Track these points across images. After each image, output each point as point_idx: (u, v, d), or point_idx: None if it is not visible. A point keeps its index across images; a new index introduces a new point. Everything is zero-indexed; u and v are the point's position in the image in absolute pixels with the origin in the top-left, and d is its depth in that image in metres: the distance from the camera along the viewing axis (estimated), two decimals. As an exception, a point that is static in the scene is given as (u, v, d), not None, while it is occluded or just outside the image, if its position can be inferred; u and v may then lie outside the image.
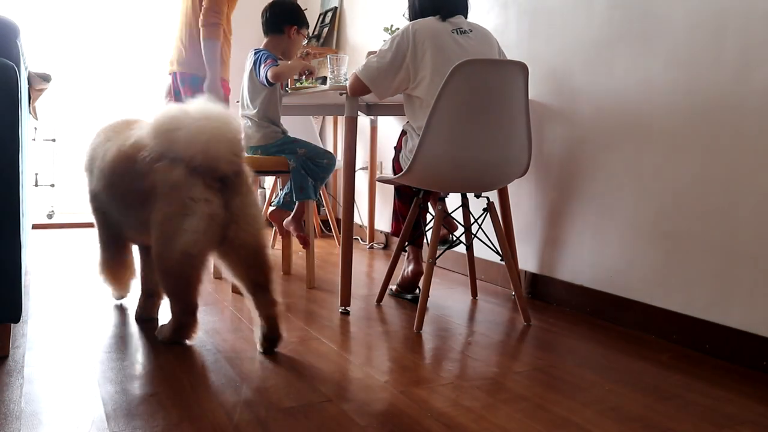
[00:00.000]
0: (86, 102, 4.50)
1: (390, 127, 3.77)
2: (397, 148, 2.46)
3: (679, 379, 1.72)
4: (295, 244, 3.65)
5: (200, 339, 1.94)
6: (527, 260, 2.69)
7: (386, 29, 3.37)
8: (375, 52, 2.57)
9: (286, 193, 2.78)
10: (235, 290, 2.58)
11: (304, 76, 2.76)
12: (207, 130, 1.67)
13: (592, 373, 1.74)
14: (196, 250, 1.68)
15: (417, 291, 2.52)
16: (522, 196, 2.71)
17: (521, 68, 2.10)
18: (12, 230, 1.62)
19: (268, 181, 4.35)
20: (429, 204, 2.63)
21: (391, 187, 3.47)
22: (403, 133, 2.38)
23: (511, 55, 2.66)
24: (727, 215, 1.90)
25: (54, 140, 4.39)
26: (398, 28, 2.52)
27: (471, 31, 2.19)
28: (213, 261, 2.84)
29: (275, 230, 3.67)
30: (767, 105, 1.78)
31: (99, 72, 4.53)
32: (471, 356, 1.86)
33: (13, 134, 1.60)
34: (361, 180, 4.01)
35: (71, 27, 4.40)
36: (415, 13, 2.26)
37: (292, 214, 2.79)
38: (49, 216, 4.31)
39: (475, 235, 2.49)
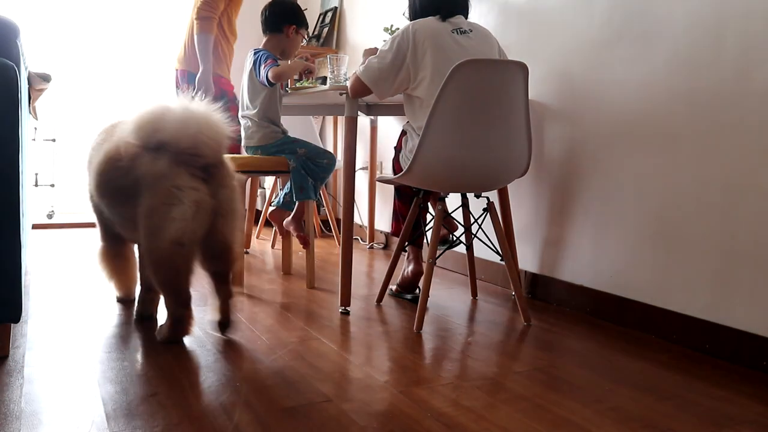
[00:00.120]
0: (86, 102, 4.50)
1: (390, 127, 3.77)
2: (397, 148, 2.46)
3: (679, 379, 1.72)
4: (295, 244, 3.65)
5: (200, 339, 1.94)
6: (527, 260, 2.69)
7: (386, 29, 3.37)
8: (372, 49, 2.58)
9: (286, 193, 2.78)
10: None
11: (304, 76, 2.76)
12: (190, 119, 1.71)
13: (592, 373, 1.74)
14: (186, 238, 1.69)
15: (417, 291, 2.52)
16: (522, 196, 2.71)
17: (521, 68, 2.10)
18: (12, 230, 1.62)
19: (268, 181, 4.35)
20: (429, 204, 2.63)
21: (391, 187, 3.47)
22: (403, 133, 2.38)
23: (511, 55, 2.66)
24: (727, 215, 1.90)
25: (54, 140, 4.39)
26: (398, 28, 2.51)
27: (471, 31, 2.19)
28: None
29: (275, 230, 3.67)
30: (767, 105, 1.78)
31: (99, 72, 4.53)
32: (471, 356, 1.86)
33: (13, 134, 1.60)
34: (361, 180, 4.01)
35: (71, 27, 4.40)
36: (416, 12, 2.26)
37: (292, 214, 2.80)
38: (49, 216, 4.31)
39: (475, 235, 2.49)
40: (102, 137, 2.04)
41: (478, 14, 2.91)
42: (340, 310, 2.32)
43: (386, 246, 3.82)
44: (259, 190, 4.26)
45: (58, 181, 4.40)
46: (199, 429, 1.33)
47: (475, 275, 2.60)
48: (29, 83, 2.44)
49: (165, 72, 4.61)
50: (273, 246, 3.76)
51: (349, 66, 3.03)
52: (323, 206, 4.30)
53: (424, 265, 2.25)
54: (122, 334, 1.98)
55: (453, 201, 2.93)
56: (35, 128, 3.64)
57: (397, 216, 2.58)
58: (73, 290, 2.53)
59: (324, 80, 3.27)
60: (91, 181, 2.00)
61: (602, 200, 2.32)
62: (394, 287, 2.60)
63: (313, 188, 2.72)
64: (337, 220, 4.29)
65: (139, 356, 1.77)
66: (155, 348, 1.85)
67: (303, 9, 3.00)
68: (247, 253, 3.46)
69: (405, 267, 2.51)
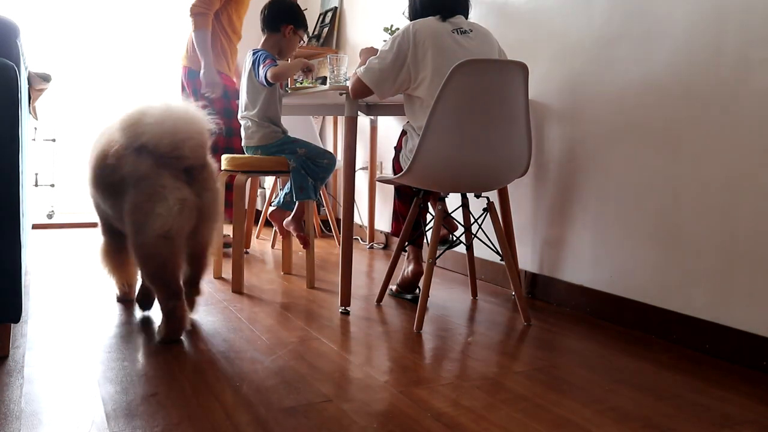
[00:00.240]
0: (86, 102, 4.50)
1: (390, 127, 3.77)
2: (397, 148, 2.46)
3: (679, 379, 1.72)
4: (295, 244, 3.65)
5: (200, 339, 1.94)
6: (527, 260, 2.69)
7: (386, 29, 3.37)
8: (368, 49, 2.58)
9: (286, 193, 2.78)
10: (235, 290, 2.58)
11: (303, 76, 2.76)
12: (171, 120, 1.74)
13: (592, 373, 1.74)
14: (173, 232, 1.74)
15: (417, 291, 2.52)
16: (522, 196, 2.71)
17: (521, 68, 2.10)
18: (12, 230, 1.62)
19: (268, 181, 4.35)
20: (429, 204, 2.63)
21: (391, 187, 3.47)
22: (403, 133, 2.38)
23: (511, 55, 2.66)
24: (727, 215, 1.90)
25: (54, 140, 4.39)
26: (398, 28, 2.51)
27: (471, 31, 2.19)
28: (215, 260, 2.85)
29: (275, 230, 3.67)
30: (767, 105, 1.78)
31: (99, 72, 4.53)
32: (471, 356, 1.86)
33: (13, 134, 1.60)
34: (361, 180, 4.01)
35: (71, 27, 4.40)
36: (416, 12, 2.26)
37: (292, 214, 2.80)
38: (49, 216, 4.31)
39: (475, 235, 2.49)
40: (99, 136, 2.06)
41: (478, 14, 2.91)
42: (340, 310, 2.32)
43: (386, 246, 3.82)
44: (259, 190, 4.26)
45: (58, 181, 4.40)
46: (199, 429, 1.33)
47: (475, 275, 2.60)
48: (29, 83, 2.44)
49: (165, 71, 4.61)
50: (273, 246, 3.76)
51: (349, 66, 3.03)
52: (323, 206, 4.30)
53: (424, 265, 2.25)
54: (122, 334, 1.98)
55: (453, 201, 2.93)
56: (35, 128, 3.64)
57: (397, 216, 2.58)
58: (73, 290, 2.53)
59: (324, 80, 3.27)
60: (87, 174, 2.05)
61: (602, 200, 2.32)
62: (394, 287, 2.60)
63: (313, 188, 2.72)
64: (337, 220, 4.29)
65: (139, 356, 1.77)
66: (155, 348, 1.85)
67: (303, 9, 3.00)
68: (247, 252, 3.46)
69: (405, 267, 2.51)
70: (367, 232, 3.89)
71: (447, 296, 2.61)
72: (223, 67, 3.38)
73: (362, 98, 2.29)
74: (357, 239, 4.05)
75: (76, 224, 4.28)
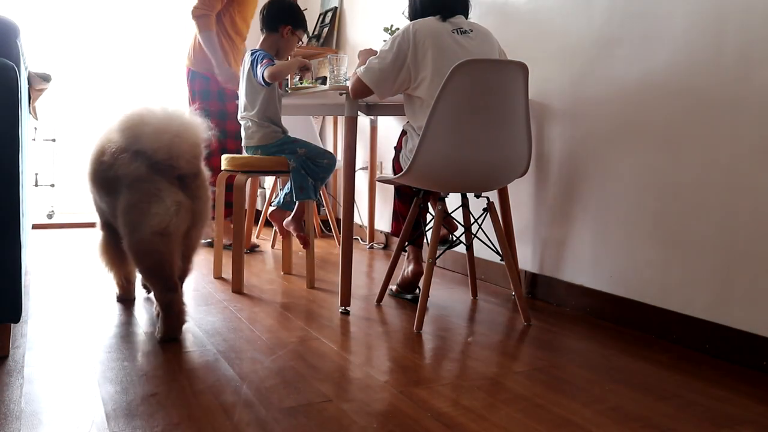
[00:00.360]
0: (86, 102, 4.50)
1: (390, 127, 3.77)
2: (397, 148, 2.46)
3: (679, 379, 1.72)
4: (295, 244, 3.65)
5: (200, 339, 1.94)
6: (527, 260, 2.69)
7: (386, 29, 3.37)
8: (367, 50, 2.58)
9: (286, 193, 2.78)
10: (235, 290, 2.58)
11: (301, 75, 2.75)
12: (170, 129, 1.79)
13: (592, 373, 1.74)
14: (170, 229, 1.79)
15: (417, 291, 2.52)
16: (522, 196, 2.71)
17: (521, 68, 2.10)
18: (12, 230, 1.62)
19: (268, 181, 4.35)
20: (429, 204, 2.63)
21: (391, 187, 3.47)
22: (403, 133, 2.38)
23: (511, 55, 2.66)
24: (727, 215, 1.90)
25: (54, 140, 4.39)
26: (398, 28, 2.51)
27: (471, 31, 2.19)
28: (213, 261, 2.86)
29: (275, 230, 3.67)
30: (767, 105, 1.78)
31: (99, 72, 4.53)
32: (471, 356, 1.86)
33: (13, 134, 1.60)
34: (361, 180, 4.01)
35: (71, 27, 4.40)
36: (416, 12, 2.26)
37: (292, 214, 2.80)
38: (49, 216, 4.31)
39: (475, 235, 2.49)
40: (103, 130, 2.11)
41: (478, 14, 2.91)
42: (340, 310, 2.32)
43: (386, 246, 3.82)
44: (259, 190, 4.26)
45: (58, 181, 4.40)
46: (199, 429, 1.33)
47: (475, 275, 2.60)
48: (29, 83, 2.44)
49: (165, 71, 4.61)
50: (273, 246, 3.76)
51: (349, 66, 3.03)
52: (323, 206, 4.30)
53: (424, 265, 2.25)
54: (122, 334, 1.98)
55: (453, 201, 2.93)
56: (35, 128, 3.64)
57: (397, 216, 2.58)
58: (73, 290, 2.53)
59: (324, 80, 3.27)
60: (86, 170, 2.10)
61: (602, 200, 2.32)
62: (394, 287, 2.60)
63: (313, 188, 2.72)
64: (337, 220, 4.29)
65: (139, 356, 1.77)
66: (155, 348, 1.85)
67: (303, 9, 3.00)
68: (247, 252, 3.46)
69: (405, 267, 2.51)
70: (367, 232, 3.89)
71: (447, 296, 2.61)
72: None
73: (362, 98, 2.29)
74: (357, 239, 4.05)
75: (76, 224, 4.28)
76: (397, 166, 2.45)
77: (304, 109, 3.33)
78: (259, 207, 4.42)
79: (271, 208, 2.85)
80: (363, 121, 3.89)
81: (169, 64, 4.61)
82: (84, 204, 4.41)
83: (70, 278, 2.73)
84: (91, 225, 4.23)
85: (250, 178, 3.45)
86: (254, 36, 3.61)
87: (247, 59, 2.77)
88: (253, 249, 3.55)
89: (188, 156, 1.82)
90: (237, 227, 2.61)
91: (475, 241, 2.90)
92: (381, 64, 2.16)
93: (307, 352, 1.85)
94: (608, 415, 1.46)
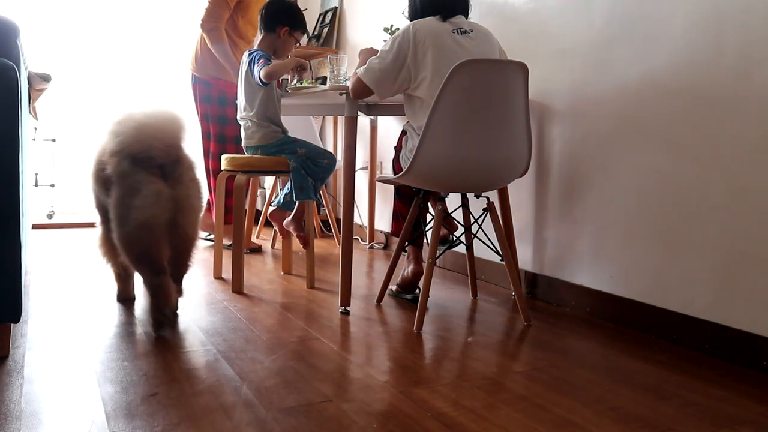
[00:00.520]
0: (86, 102, 4.50)
1: (390, 127, 3.77)
2: (397, 148, 2.46)
3: (679, 379, 1.72)
4: (295, 244, 3.65)
5: (200, 339, 1.94)
6: (527, 260, 2.69)
7: (386, 29, 3.37)
8: (367, 50, 2.58)
9: (286, 193, 2.78)
10: (235, 290, 2.58)
11: (297, 74, 2.75)
12: (141, 125, 1.94)
13: (592, 373, 1.74)
14: (151, 220, 1.88)
15: (417, 291, 2.52)
16: (522, 196, 2.71)
17: (521, 68, 2.10)
18: (12, 230, 1.62)
19: (268, 181, 4.35)
20: (429, 204, 2.63)
21: (391, 187, 3.47)
22: (403, 133, 2.38)
23: (511, 55, 2.66)
24: (727, 215, 1.90)
25: (54, 140, 4.39)
26: (398, 28, 2.51)
27: (472, 30, 2.19)
28: (214, 261, 2.86)
29: (275, 230, 3.67)
30: (767, 105, 1.78)
31: (99, 72, 4.53)
32: (471, 356, 1.86)
33: (13, 134, 1.60)
34: (361, 180, 4.01)
35: (71, 27, 4.40)
36: (416, 12, 2.26)
37: (292, 214, 2.79)
38: (49, 216, 4.31)
39: (475, 235, 2.49)
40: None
41: (478, 14, 2.91)
42: (340, 310, 2.32)
43: (386, 246, 3.82)
44: (259, 190, 4.26)
45: (58, 181, 4.40)
46: (199, 429, 1.33)
47: (475, 275, 2.60)
48: (29, 83, 2.44)
49: (165, 71, 4.62)
50: (273, 246, 3.76)
51: (349, 66, 3.03)
52: (323, 206, 4.30)
53: (424, 265, 2.25)
54: (122, 334, 1.98)
55: (453, 201, 2.93)
56: (35, 128, 3.64)
57: (397, 216, 2.58)
58: (73, 290, 2.53)
59: (324, 80, 3.27)
60: (90, 169, 2.21)
61: (602, 200, 2.32)
62: (394, 287, 2.60)
63: (313, 188, 2.72)
64: (337, 220, 4.29)
65: (139, 356, 1.77)
66: (155, 348, 1.85)
67: (303, 9, 3.00)
68: (247, 252, 3.46)
69: (405, 267, 2.51)
70: (367, 232, 3.89)
71: (447, 296, 2.61)
72: (225, 74, 3.41)
73: (362, 98, 2.29)
74: (357, 239, 4.05)
75: (76, 224, 4.28)
76: (397, 166, 2.45)
77: (304, 109, 3.33)
78: (259, 207, 4.42)
79: (271, 208, 2.85)
80: (363, 121, 3.89)
81: (169, 64, 4.61)
82: (84, 204, 4.42)
83: (70, 278, 2.73)
84: (91, 225, 4.23)
85: (250, 178, 3.46)
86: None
87: (245, 60, 2.76)
88: (254, 250, 3.55)
89: (161, 144, 1.93)
90: (237, 227, 2.61)
91: (475, 241, 2.90)
92: (381, 64, 2.16)
93: (307, 352, 1.85)
94: (608, 415, 1.46)
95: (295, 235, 2.80)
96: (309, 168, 2.70)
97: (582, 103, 2.40)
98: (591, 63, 2.35)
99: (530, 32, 2.64)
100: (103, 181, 2.05)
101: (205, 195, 2.27)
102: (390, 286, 2.62)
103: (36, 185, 4.20)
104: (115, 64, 4.56)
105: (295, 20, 2.86)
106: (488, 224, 2.85)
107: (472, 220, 2.61)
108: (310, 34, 4.50)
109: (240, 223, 2.62)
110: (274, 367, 1.72)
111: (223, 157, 2.77)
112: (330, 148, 4.37)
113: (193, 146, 2.53)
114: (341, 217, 2.36)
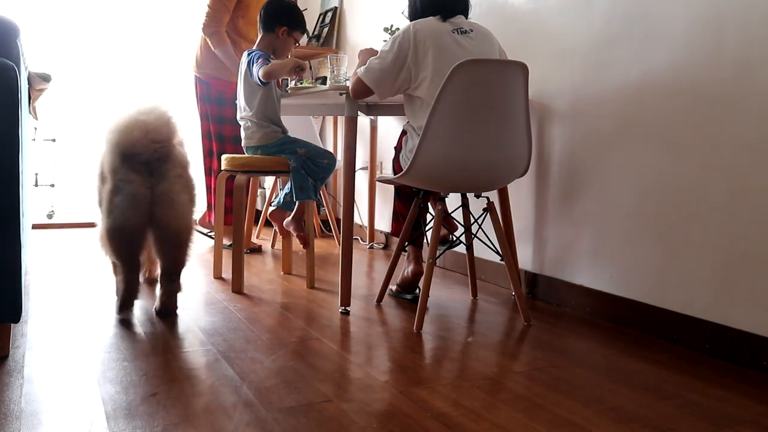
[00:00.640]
0: (86, 102, 4.50)
1: (390, 127, 3.77)
2: (397, 148, 2.46)
3: (679, 379, 1.72)
4: (295, 244, 3.65)
5: (200, 339, 1.94)
6: (527, 260, 2.69)
7: (386, 29, 3.37)
8: (367, 50, 2.58)
9: (286, 193, 2.78)
10: (235, 290, 2.58)
11: (296, 75, 2.74)
12: (129, 122, 2.03)
13: (592, 373, 1.74)
14: (125, 223, 2.00)
15: (417, 291, 2.52)
16: (522, 196, 2.71)
17: (521, 68, 2.10)
18: (12, 230, 1.62)
19: (268, 181, 4.35)
20: (429, 204, 2.63)
21: (391, 187, 3.47)
22: (403, 133, 2.38)
23: (511, 54, 2.66)
24: (727, 215, 1.90)
25: (54, 140, 4.39)
26: (398, 28, 2.51)
27: (472, 31, 2.19)
28: (214, 261, 2.85)
29: (275, 230, 3.67)
30: (767, 105, 1.78)
31: (99, 72, 4.53)
32: (471, 356, 1.86)
33: (13, 134, 1.60)
34: (361, 180, 4.01)
35: (71, 27, 4.40)
36: (416, 12, 2.26)
37: (292, 214, 2.79)
38: (49, 216, 4.31)
39: (475, 235, 2.49)
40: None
41: (478, 14, 2.91)
42: (340, 310, 2.32)
43: (386, 246, 3.82)
44: (259, 190, 4.26)
45: (58, 181, 4.40)
46: (199, 429, 1.33)
47: (475, 275, 2.60)
48: (29, 83, 2.44)
49: (165, 71, 4.62)
50: (273, 246, 3.76)
51: (349, 66, 3.03)
52: (323, 206, 4.30)
53: (424, 265, 2.25)
54: (122, 334, 1.98)
55: (453, 201, 2.93)
56: (35, 128, 3.64)
57: (397, 216, 2.58)
58: (73, 290, 2.53)
59: (324, 80, 3.27)
60: (97, 169, 2.34)
61: (602, 200, 2.32)
62: (394, 287, 2.60)
63: (313, 188, 2.72)
64: (337, 220, 4.29)
65: (139, 356, 1.77)
66: (155, 348, 1.85)
67: (303, 9, 3.00)
68: (247, 252, 3.46)
69: (405, 267, 2.51)
70: (367, 232, 3.89)
71: (447, 296, 2.61)
72: (224, 74, 3.42)
73: (362, 98, 2.29)
74: (357, 239, 4.05)
75: (76, 224, 4.28)
76: (397, 166, 2.45)
77: (304, 109, 3.33)
78: (259, 207, 4.42)
79: (271, 208, 2.85)
80: (363, 121, 3.89)
81: (169, 64, 4.61)
82: (84, 204, 4.42)
83: (70, 278, 2.73)
84: (91, 225, 4.23)
85: (250, 178, 3.46)
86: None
87: (244, 59, 2.76)
88: (253, 250, 3.55)
89: (146, 141, 2.00)
90: (237, 227, 2.61)
91: (475, 241, 2.90)
92: (381, 64, 2.16)
93: (307, 352, 1.85)
94: (608, 415, 1.46)
95: (295, 235, 2.80)
96: (309, 168, 2.70)
97: (582, 103, 2.40)
98: (591, 63, 2.35)
99: (530, 32, 2.64)
100: (102, 177, 2.15)
101: (199, 191, 2.29)
102: (390, 286, 2.62)
103: (36, 185, 4.20)
104: (115, 64, 4.56)
105: (294, 20, 2.86)
106: (488, 224, 2.85)
107: (472, 220, 2.61)
108: (310, 34, 4.50)
109: (240, 223, 2.62)
110: (274, 367, 1.72)
111: (223, 157, 2.77)
112: (330, 148, 4.37)
113: (191, 145, 2.54)
114: (341, 217, 2.36)
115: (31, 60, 3.59)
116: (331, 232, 4.32)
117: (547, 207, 2.58)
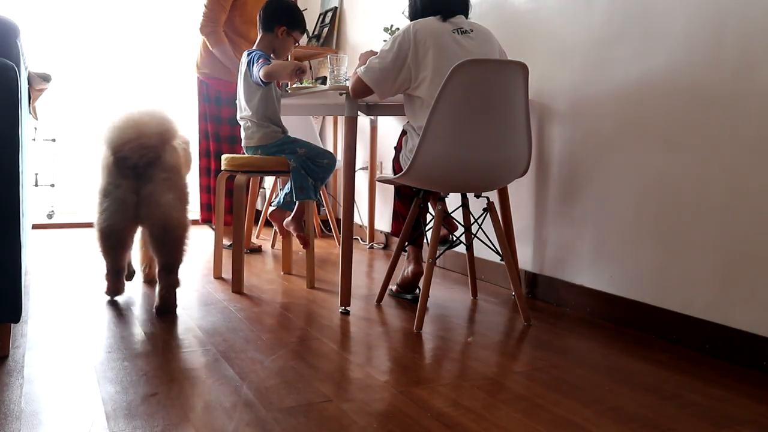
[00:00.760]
0: (86, 102, 4.50)
1: (390, 127, 3.77)
2: (397, 148, 2.46)
3: (679, 379, 1.72)
4: (295, 244, 3.65)
5: (200, 339, 1.94)
6: (527, 260, 2.69)
7: (386, 29, 3.37)
8: (368, 53, 2.58)
9: (286, 193, 2.78)
10: (235, 290, 2.58)
11: (296, 78, 2.75)
12: (121, 125, 2.08)
13: (592, 373, 1.74)
14: (111, 227, 2.12)
15: (417, 291, 2.52)
16: (522, 196, 2.71)
17: (521, 68, 2.10)
18: (12, 230, 1.62)
19: (268, 181, 4.35)
20: (429, 204, 2.63)
21: (391, 187, 3.47)
22: (403, 133, 2.38)
23: (511, 54, 2.66)
24: (727, 215, 1.90)
25: (54, 140, 4.39)
26: (398, 28, 2.51)
27: (472, 30, 2.19)
28: (214, 261, 2.85)
29: (275, 230, 3.67)
30: (767, 105, 1.78)
31: (99, 72, 4.53)
32: (471, 356, 1.86)
33: (13, 134, 1.60)
34: (361, 180, 4.01)
35: (71, 27, 4.40)
36: (416, 12, 2.26)
37: (292, 214, 2.79)
38: (49, 216, 4.31)
39: (475, 235, 2.49)
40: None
41: (478, 14, 2.91)
42: (340, 310, 2.32)
43: (386, 246, 3.82)
44: (259, 190, 4.26)
45: (58, 181, 4.41)
46: (199, 429, 1.33)
47: (475, 275, 2.60)
48: (29, 83, 2.44)
49: (165, 70, 4.62)
50: (273, 246, 3.76)
51: (349, 66, 3.03)
52: (323, 206, 4.30)
53: (424, 265, 2.25)
54: (122, 334, 1.98)
55: (453, 201, 2.93)
56: (35, 128, 3.64)
57: (397, 216, 2.58)
58: (73, 290, 2.53)
59: (324, 80, 3.27)
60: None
61: (602, 200, 2.32)
62: (394, 287, 2.60)
63: (313, 188, 2.72)
64: (337, 220, 4.29)
65: (139, 356, 1.77)
66: (155, 348, 1.85)
67: (303, 9, 2.99)
68: (247, 252, 3.46)
69: (405, 267, 2.51)
70: (367, 232, 3.89)
71: (447, 296, 2.61)
72: (221, 73, 3.43)
73: (362, 98, 2.29)
74: (357, 239, 4.05)
75: (76, 224, 4.28)
76: (397, 166, 2.45)
77: (304, 109, 3.33)
78: (259, 207, 4.42)
79: (271, 208, 2.85)
80: (363, 121, 3.89)
81: (169, 64, 4.61)
82: (84, 204, 4.42)
83: (70, 278, 2.73)
84: (91, 225, 4.23)
85: (250, 178, 3.46)
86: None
87: (244, 59, 2.76)
88: (254, 250, 3.55)
89: (134, 144, 2.05)
90: (237, 227, 2.61)
91: (475, 241, 2.90)
92: (381, 63, 2.16)
93: (307, 352, 1.85)
94: (608, 415, 1.46)
95: (295, 235, 2.80)
96: (309, 168, 2.70)
97: (582, 103, 2.40)
98: (591, 63, 2.35)
99: (530, 32, 2.64)
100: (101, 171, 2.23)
101: (191, 192, 2.33)
102: (390, 286, 2.62)
103: (36, 185, 4.20)
104: (115, 64, 4.56)
105: (293, 20, 2.86)
106: (488, 224, 2.85)
107: (472, 220, 2.61)
108: (310, 34, 4.50)
109: (240, 223, 2.62)
110: (274, 367, 1.72)
111: (223, 157, 2.77)
112: (330, 148, 4.37)
113: (187, 146, 2.55)
114: (341, 217, 2.36)
115: (31, 60, 3.59)
116: (331, 232, 4.32)
117: (547, 207, 2.58)
